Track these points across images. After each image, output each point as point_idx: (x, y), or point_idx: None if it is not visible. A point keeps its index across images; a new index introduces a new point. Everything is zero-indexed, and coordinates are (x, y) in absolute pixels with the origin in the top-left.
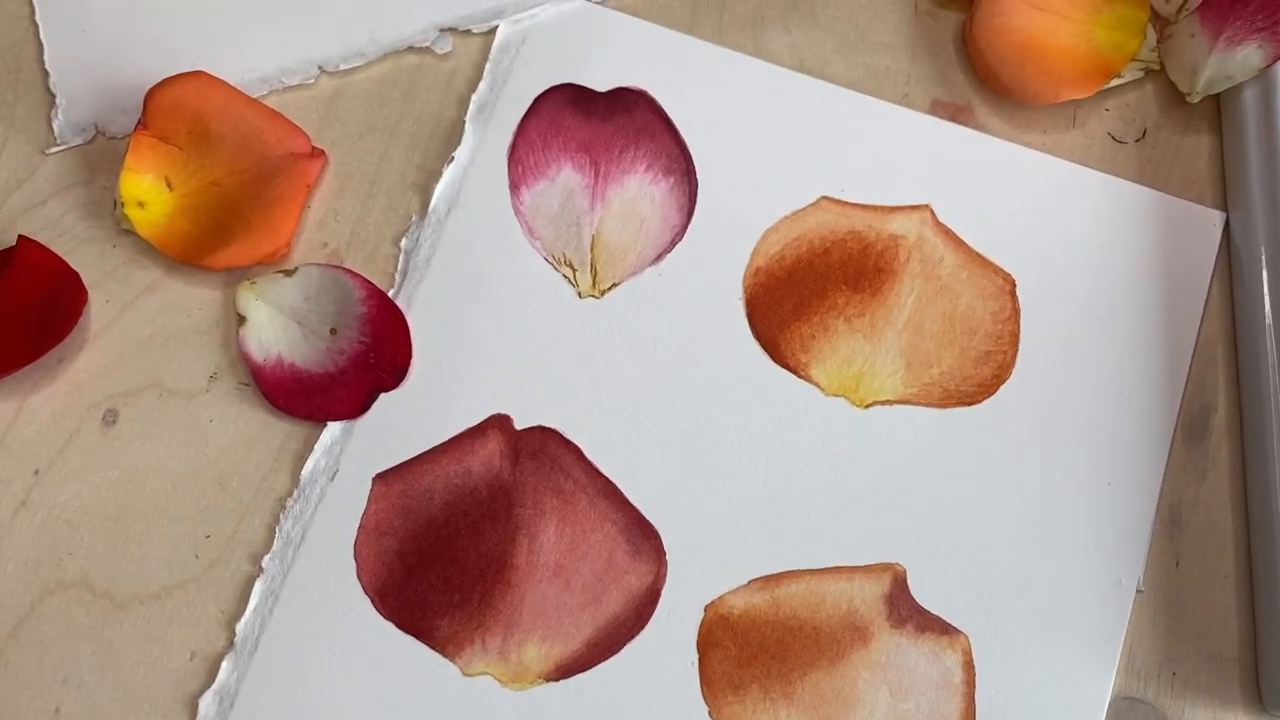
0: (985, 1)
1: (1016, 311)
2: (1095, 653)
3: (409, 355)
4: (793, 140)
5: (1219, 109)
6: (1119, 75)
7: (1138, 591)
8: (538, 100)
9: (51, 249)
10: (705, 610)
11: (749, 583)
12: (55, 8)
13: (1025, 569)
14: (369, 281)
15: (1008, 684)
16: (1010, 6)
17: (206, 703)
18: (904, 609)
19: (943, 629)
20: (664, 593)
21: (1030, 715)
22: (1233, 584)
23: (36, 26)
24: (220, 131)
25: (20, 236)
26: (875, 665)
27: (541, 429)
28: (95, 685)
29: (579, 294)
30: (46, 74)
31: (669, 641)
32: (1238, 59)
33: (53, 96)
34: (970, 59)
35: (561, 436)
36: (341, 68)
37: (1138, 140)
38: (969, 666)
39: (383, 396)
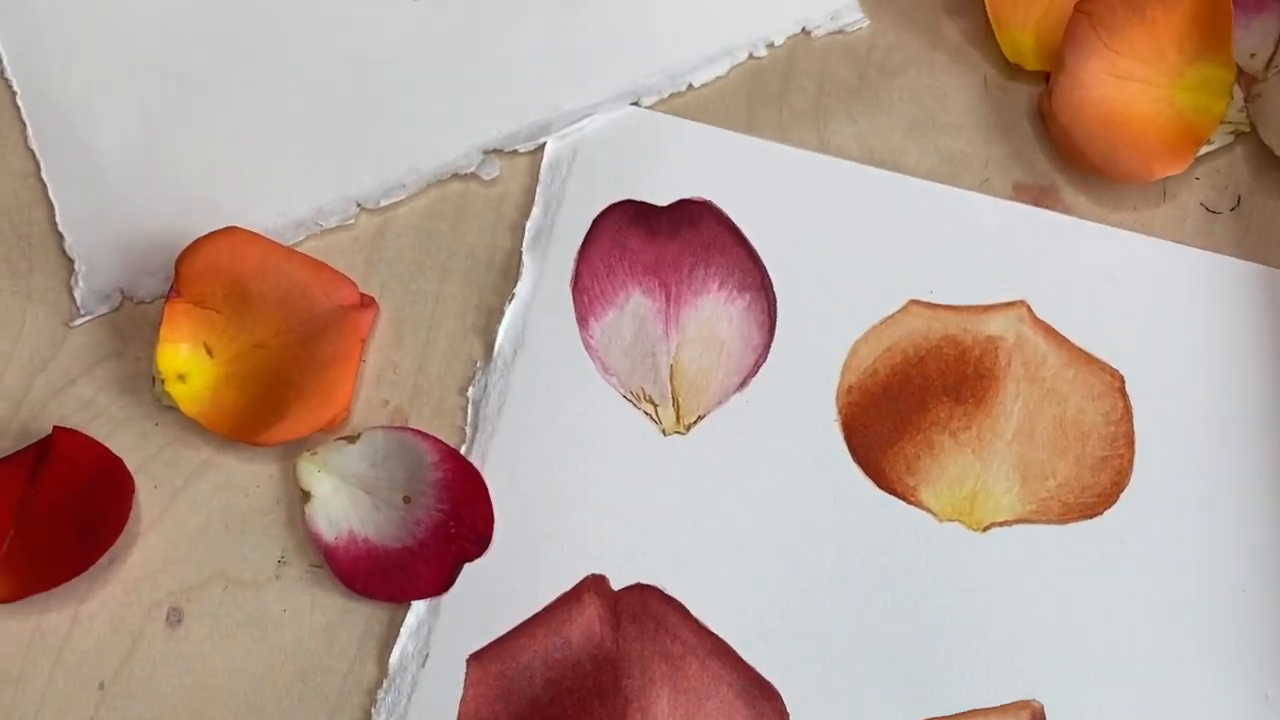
0: (1064, 76)
1: (1129, 410)
2: None
3: (491, 520)
4: (872, 240)
5: None
6: (1209, 142)
7: None
8: (597, 221)
9: (89, 434)
10: None
11: None
12: (62, 162)
13: (1167, 690)
14: (440, 441)
15: None
16: (1090, 79)
17: None
18: None
19: None
20: None
21: None
22: None
23: (44, 184)
24: (261, 290)
25: (56, 428)
26: None
27: (641, 587)
28: None
29: (663, 431)
30: (61, 237)
31: None
32: None
33: (70, 262)
34: (1052, 137)
35: (662, 594)
36: (382, 203)
37: (1233, 209)
38: None
39: (467, 567)
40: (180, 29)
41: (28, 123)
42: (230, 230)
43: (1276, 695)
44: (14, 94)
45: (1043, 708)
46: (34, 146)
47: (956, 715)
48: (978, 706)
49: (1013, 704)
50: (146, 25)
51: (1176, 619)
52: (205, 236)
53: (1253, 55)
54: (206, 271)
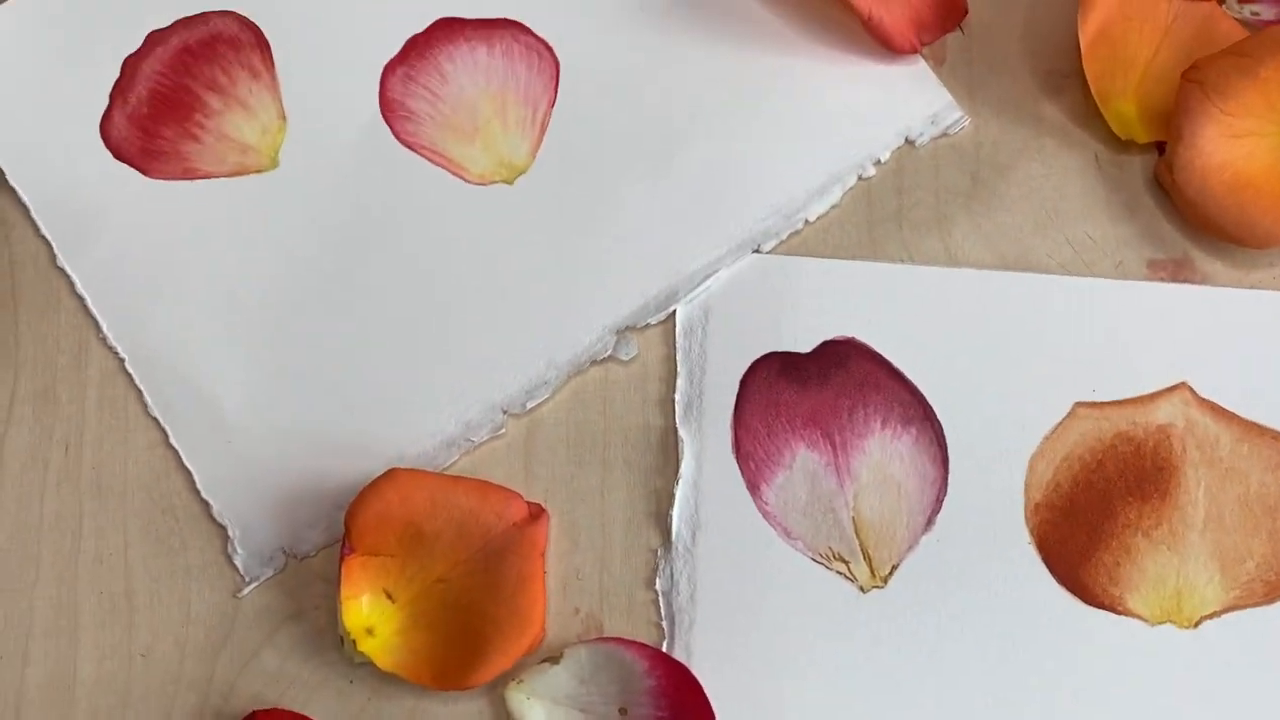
0: (1182, 147)
1: None
2: None
3: (713, 716)
4: (1023, 347)
5: None
6: None
7: None
8: (745, 380)
9: (286, 708)
10: None
11: None
12: (189, 424)
13: None
14: (644, 645)
15: None
16: (1210, 145)
17: None
18: None
19: None
20: None
21: None
22: None
23: (175, 451)
24: (434, 527)
25: (256, 713)
26: None
27: None
28: None
29: (861, 588)
30: (207, 504)
31: None
32: None
33: (223, 529)
34: (1179, 209)
35: None
36: (528, 405)
37: None
38: None
39: None
40: (285, 264)
41: (143, 389)
42: (392, 474)
43: None
44: (122, 361)
45: None
46: (155, 414)
47: None
48: None
49: None
50: (248, 266)
51: None
52: (369, 487)
53: None
54: (377, 521)
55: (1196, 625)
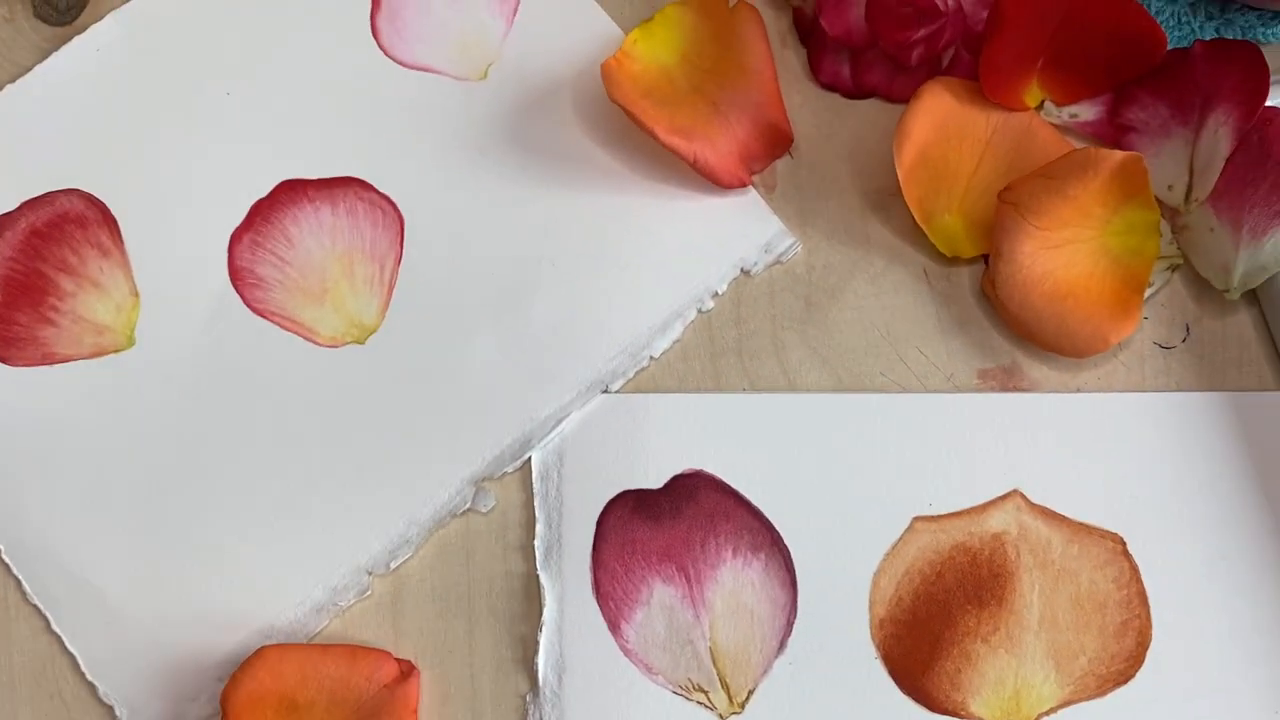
0: (1002, 264)
1: (1135, 569)
2: None
3: None
4: (863, 467)
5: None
6: (1150, 284)
7: None
8: (600, 521)
9: None
10: None
11: None
12: (71, 610)
13: None
14: None
15: None
16: (1028, 259)
17: None
18: None
19: None
20: None
21: None
22: None
23: (58, 637)
24: (307, 697)
25: None
26: None
27: None
28: None
29: (721, 716)
30: (93, 686)
31: None
32: (1267, 249)
33: (110, 709)
34: (1004, 321)
35: None
36: (392, 565)
37: (1184, 340)
38: None
39: None
40: (149, 440)
41: (20, 577)
42: (261, 653)
43: None
44: None
45: None
46: (35, 601)
47: None
48: None
49: None
50: (113, 446)
51: None
52: (241, 668)
53: (1170, 187)
54: (251, 700)
55: None
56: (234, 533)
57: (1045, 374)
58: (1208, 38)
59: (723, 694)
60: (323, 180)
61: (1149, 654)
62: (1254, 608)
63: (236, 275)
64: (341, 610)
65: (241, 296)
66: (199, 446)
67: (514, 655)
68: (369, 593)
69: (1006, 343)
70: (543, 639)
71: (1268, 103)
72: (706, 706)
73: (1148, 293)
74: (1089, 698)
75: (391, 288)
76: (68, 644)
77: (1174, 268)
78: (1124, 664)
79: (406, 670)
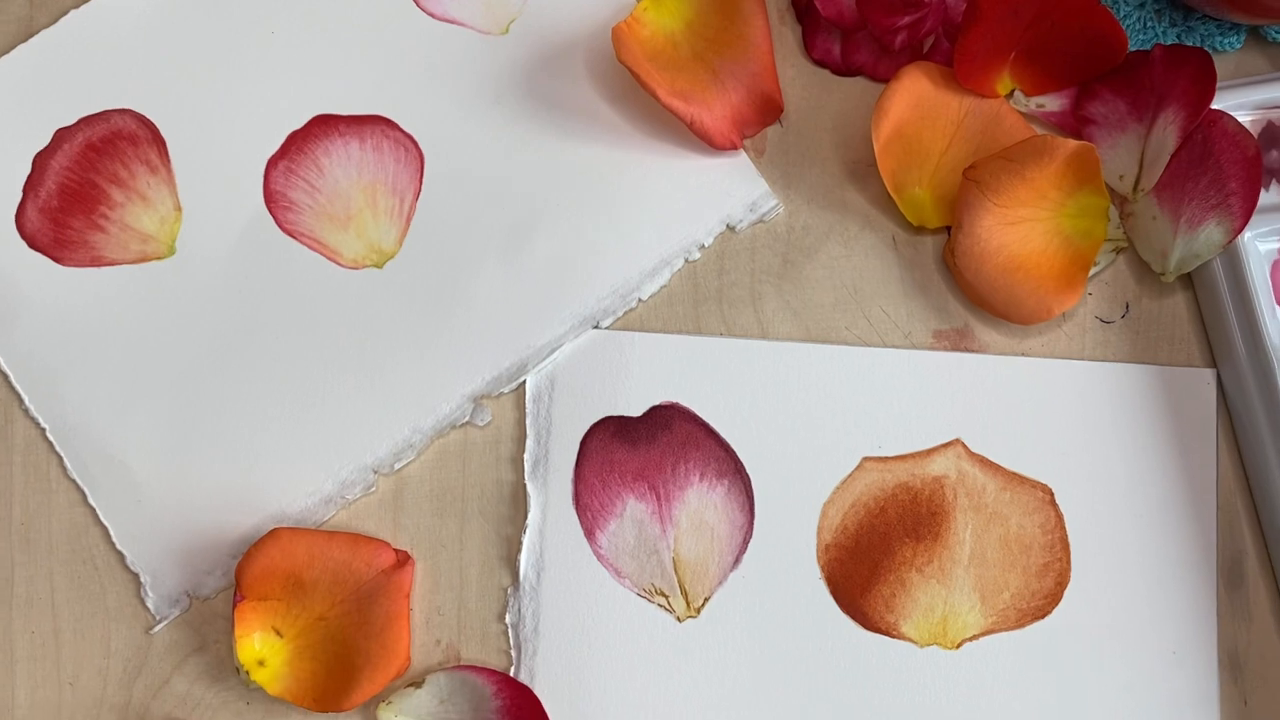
0: (962, 235)
1: (1060, 517)
2: None
3: None
4: (822, 410)
5: (1190, 272)
6: (1096, 263)
7: None
8: (584, 442)
9: None
10: None
11: None
12: (104, 484)
13: None
14: (492, 671)
15: None
16: (986, 233)
17: None
18: None
19: None
20: None
21: None
22: None
23: (93, 509)
24: (313, 576)
25: None
26: None
27: None
28: None
29: (678, 618)
30: (121, 555)
31: None
32: (1201, 239)
33: (135, 576)
34: (960, 287)
35: None
36: (396, 466)
37: (1123, 316)
38: None
39: None
40: (183, 341)
41: (63, 455)
42: (274, 533)
43: None
44: (43, 430)
45: None
46: (74, 476)
47: None
48: None
49: None
50: (151, 344)
51: (1125, 686)
52: (255, 545)
53: (1121, 177)
54: (263, 574)
55: (958, 647)
56: (255, 427)
57: (994, 338)
58: (1169, 43)
59: (681, 599)
60: (353, 117)
61: (1066, 594)
62: (1161, 561)
63: (271, 198)
64: (348, 503)
65: (274, 217)
66: (227, 349)
67: (499, 553)
68: (374, 489)
69: (961, 307)
70: (525, 540)
71: (1214, 106)
72: (666, 609)
73: (1093, 271)
74: (1009, 629)
75: (409, 219)
76: (101, 516)
77: (1119, 250)
78: (1042, 601)
79: (402, 559)
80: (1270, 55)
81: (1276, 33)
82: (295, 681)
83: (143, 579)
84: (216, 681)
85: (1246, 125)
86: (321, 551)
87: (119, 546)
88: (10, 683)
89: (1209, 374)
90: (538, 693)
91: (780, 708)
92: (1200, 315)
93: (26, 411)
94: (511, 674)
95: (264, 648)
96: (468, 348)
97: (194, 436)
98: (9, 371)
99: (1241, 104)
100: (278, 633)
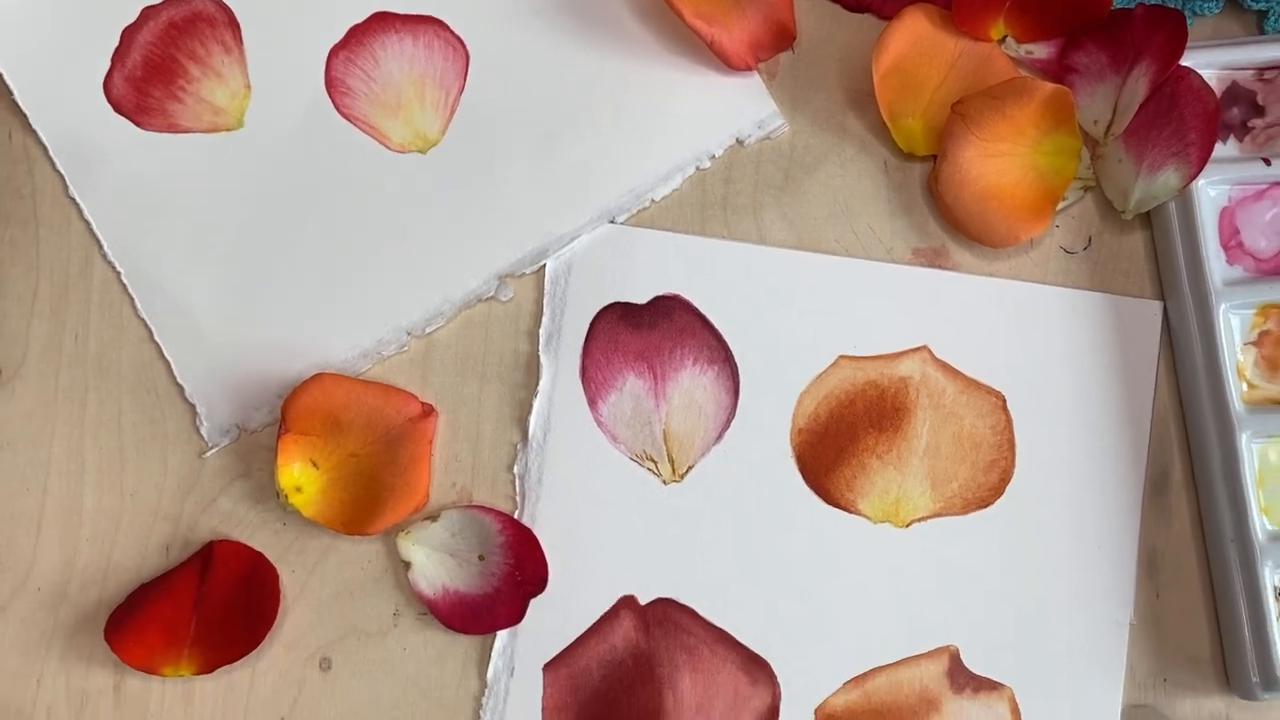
0: (945, 163)
1: (1010, 421)
2: (1106, 677)
3: (546, 565)
4: (806, 311)
5: (1149, 211)
6: (1064, 198)
7: (1131, 625)
8: (593, 323)
9: (236, 539)
10: (815, 713)
11: (843, 685)
12: (169, 326)
13: (1045, 625)
14: (499, 512)
15: (1046, 715)
16: (967, 163)
17: None
18: (961, 678)
19: (991, 686)
20: (781, 708)
21: None
22: (1201, 604)
23: (158, 346)
24: (348, 417)
25: (213, 542)
26: None
27: (662, 600)
28: None
29: (664, 482)
30: (181, 388)
31: None
32: (1159, 182)
33: (193, 406)
34: (940, 211)
35: (677, 602)
36: (427, 330)
37: (1085, 248)
38: (1015, 710)
39: (534, 601)
40: (246, 204)
41: (134, 296)
42: (319, 377)
43: (1123, 619)
44: (118, 273)
45: (958, 649)
46: (144, 316)
47: (896, 662)
48: (911, 654)
49: (936, 649)
50: (217, 204)
51: (1049, 574)
52: (300, 385)
53: (1095, 122)
54: (305, 411)
55: (907, 526)
56: (305, 286)
57: (967, 259)
58: (1151, 3)
59: (668, 465)
60: (409, 16)
61: (1008, 489)
62: (1096, 467)
63: (331, 83)
64: (382, 359)
65: (333, 101)
66: (284, 215)
67: (512, 413)
68: (406, 349)
69: (940, 229)
70: (536, 404)
71: (1184, 63)
72: (654, 473)
73: (1061, 205)
74: (954, 514)
75: (453, 111)
76: (165, 352)
77: (1087, 188)
78: (987, 493)
79: (427, 411)
80: (1245, 21)
81: (1253, 0)
82: (327, 507)
83: (199, 409)
84: (258, 504)
85: (1212, 83)
86: (357, 397)
87: (179, 380)
88: (80, 490)
89: (1157, 306)
90: (537, 534)
91: (748, 565)
92: (1154, 253)
93: (105, 256)
94: (515, 517)
95: (302, 476)
96: (496, 231)
97: (251, 289)
98: (91, 220)
99: (1210, 63)
100: (314, 465)
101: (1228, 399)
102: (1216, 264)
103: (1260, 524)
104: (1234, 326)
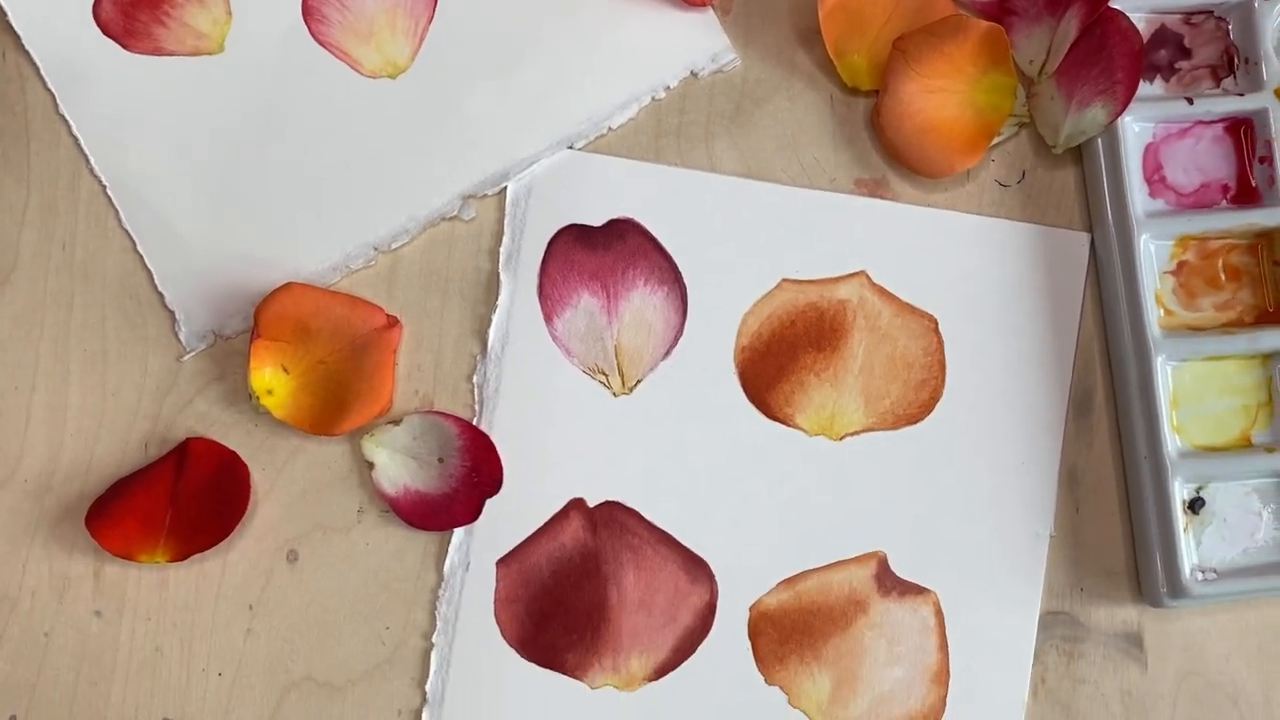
0: (886, 97)
1: (941, 343)
2: (1026, 585)
3: (501, 468)
4: (753, 236)
5: (1079, 147)
6: (1000, 134)
7: (1050, 536)
8: (550, 243)
9: (211, 438)
10: (750, 611)
11: (777, 585)
12: (151, 236)
13: (969, 535)
14: (459, 418)
15: (968, 619)
16: (908, 98)
17: None
18: (889, 582)
19: (917, 591)
20: (718, 605)
21: (985, 638)
22: (1117, 519)
23: (140, 255)
24: (317, 325)
25: (188, 439)
26: (874, 626)
27: (609, 503)
28: None
29: (614, 394)
30: (161, 295)
31: (728, 638)
32: (1087, 118)
33: (172, 313)
34: (881, 143)
35: (624, 505)
36: (393, 246)
37: (1019, 182)
38: (939, 613)
39: (489, 501)
40: (226, 124)
41: (119, 208)
42: (289, 286)
43: (1044, 532)
44: (104, 186)
45: (886, 555)
46: (127, 227)
47: (827, 565)
48: (841, 559)
49: (865, 554)
50: (198, 123)
51: (973, 487)
52: (272, 293)
53: (1031, 61)
54: (276, 318)
55: (841, 439)
56: (280, 201)
57: (907, 190)
58: None
59: (618, 378)
60: None
61: (938, 407)
62: (1022, 388)
63: (308, 11)
64: (351, 272)
65: (309, 28)
66: (261, 135)
67: (473, 327)
68: (373, 263)
69: (881, 161)
70: (495, 318)
71: (1113, 5)
72: (605, 386)
73: (996, 140)
74: (885, 429)
75: (422, 39)
76: (146, 261)
77: (1022, 125)
78: (917, 410)
79: (392, 322)
80: None
81: None
82: (296, 410)
83: (178, 316)
84: (231, 406)
85: (1141, 26)
86: (326, 306)
87: (160, 288)
88: (65, 389)
89: (1084, 237)
90: (493, 439)
91: (691, 472)
92: (1084, 187)
93: (92, 171)
94: (474, 423)
95: (273, 380)
96: (461, 153)
97: (228, 204)
98: (79, 136)
99: (1139, 6)
100: (285, 370)
101: (1145, 324)
102: (1139, 196)
103: (1172, 441)
104: (1154, 256)
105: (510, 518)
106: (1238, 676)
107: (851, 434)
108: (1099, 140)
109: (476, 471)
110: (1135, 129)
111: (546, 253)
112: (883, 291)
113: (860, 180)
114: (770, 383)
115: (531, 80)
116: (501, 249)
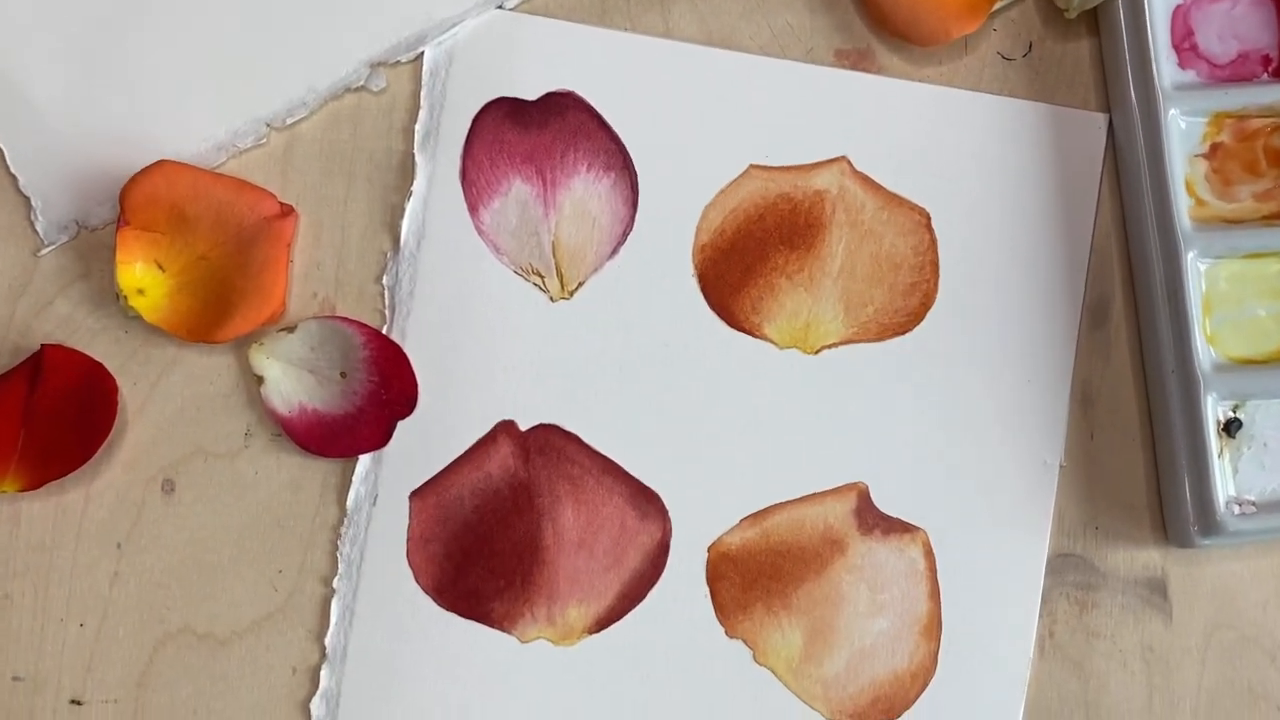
0: None
1: (934, 241)
2: (1032, 523)
3: (415, 384)
4: (715, 115)
5: (1095, 14)
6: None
7: (1060, 466)
8: (476, 119)
9: (72, 346)
10: (708, 551)
11: (740, 522)
12: (4, 110)
13: (965, 465)
14: (364, 325)
15: (963, 562)
16: None
17: (316, 706)
18: (870, 519)
19: (904, 529)
20: (672, 545)
21: (983, 584)
22: (1138, 446)
23: None
24: (195, 212)
25: (44, 345)
26: (853, 568)
27: (544, 426)
28: (222, 711)
29: (551, 299)
30: (15, 178)
31: (683, 583)
32: None
33: (27, 199)
34: (864, 7)
35: (562, 429)
36: (288, 121)
37: (1025, 55)
38: (930, 554)
39: (401, 424)
40: None
41: None
42: (161, 163)
43: (1053, 461)
44: None
45: (867, 487)
46: None
47: (799, 498)
48: (816, 491)
49: (844, 486)
50: None
51: (971, 408)
52: (141, 171)
53: None
54: (147, 201)
55: (817, 353)
56: (155, 70)
57: (895, 63)
58: None
59: (556, 281)
60: None
61: (929, 315)
62: (1028, 293)
63: None
64: (239, 151)
65: None
66: None
67: (383, 219)
68: (265, 142)
69: (866, 30)
70: (409, 208)
71: None
72: (540, 289)
73: (999, 4)
74: (868, 340)
75: None
76: None
77: None
78: (905, 319)
79: (286, 210)
80: None
81: None
82: (173, 313)
83: (34, 203)
84: (98, 308)
85: None
86: (206, 189)
87: (12, 170)
88: None
89: (1101, 118)
90: (406, 351)
91: (641, 391)
92: (1100, 61)
93: None
94: (383, 331)
95: (145, 277)
96: (369, 12)
97: (96, 71)
98: None
99: None
100: (160, 266)
101: (1173, 215)
102: (1167, 66)
103: (1205, 353)
104: (1184, 136)
105: (426, 443)
106: (1276, 629)
107: (829, 346)
108: (1119, 2)
109: (385, 388)
110: None
111: (471, 131)
112: (866, 180)
113: (841, 51)
114: (735, 286)
115: None
116: (417, 126)
